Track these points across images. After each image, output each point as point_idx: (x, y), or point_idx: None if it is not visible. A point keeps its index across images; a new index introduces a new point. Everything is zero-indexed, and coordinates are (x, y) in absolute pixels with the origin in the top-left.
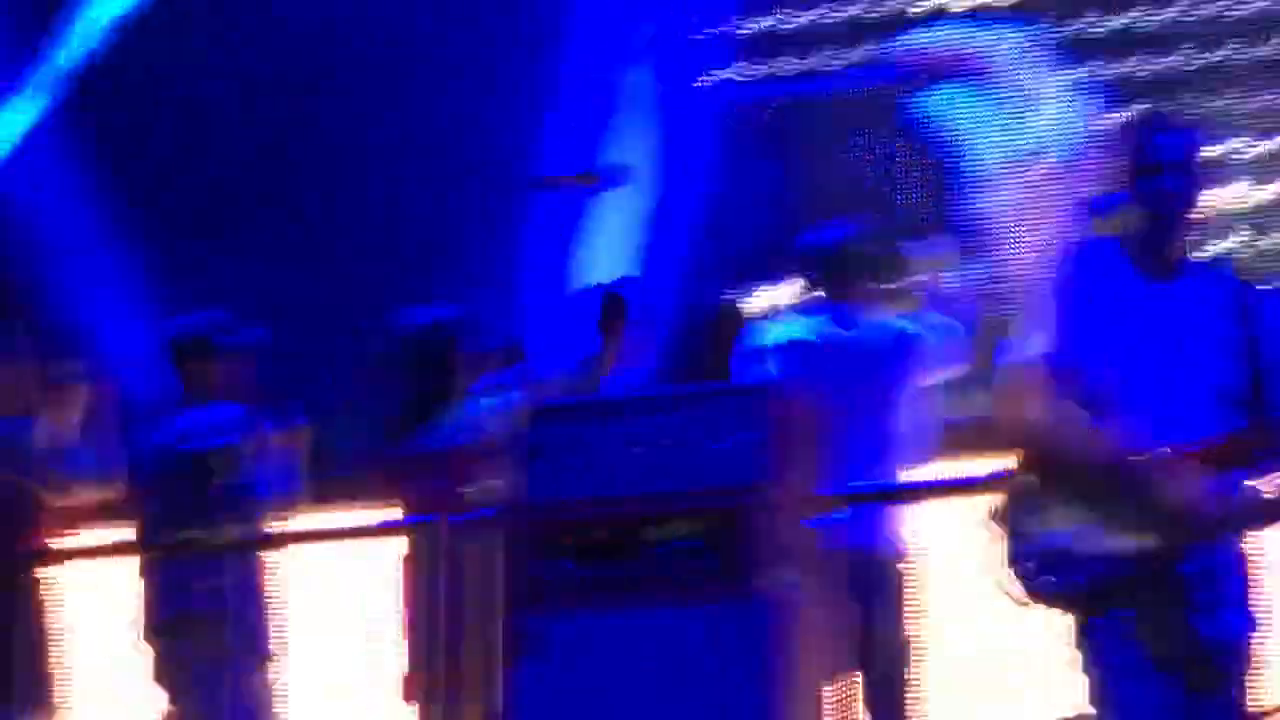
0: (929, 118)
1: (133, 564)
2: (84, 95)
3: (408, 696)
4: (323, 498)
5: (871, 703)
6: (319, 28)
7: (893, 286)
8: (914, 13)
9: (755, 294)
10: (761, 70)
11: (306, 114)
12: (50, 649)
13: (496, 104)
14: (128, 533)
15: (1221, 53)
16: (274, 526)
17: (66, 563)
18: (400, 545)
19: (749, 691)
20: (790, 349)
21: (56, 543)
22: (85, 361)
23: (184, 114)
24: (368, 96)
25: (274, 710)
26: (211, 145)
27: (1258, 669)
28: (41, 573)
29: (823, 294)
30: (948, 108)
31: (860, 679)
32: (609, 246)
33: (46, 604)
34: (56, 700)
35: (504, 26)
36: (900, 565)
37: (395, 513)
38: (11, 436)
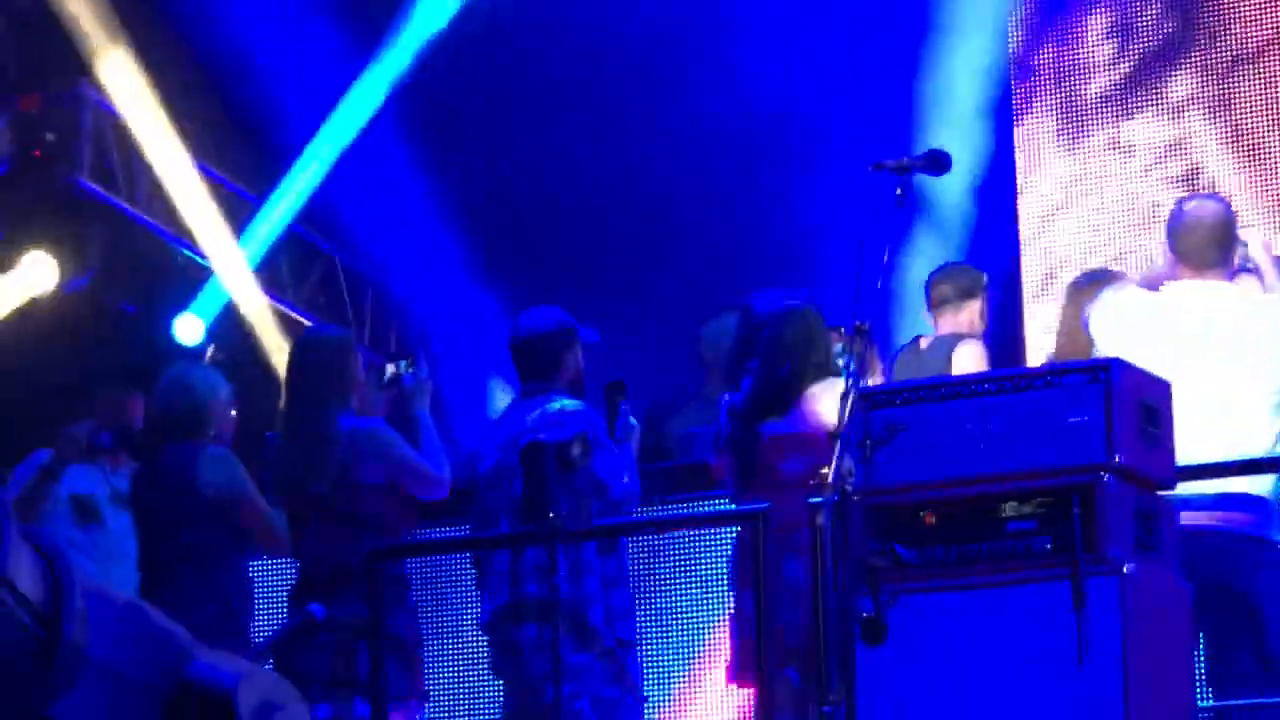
0: None
1: (474, 555)
2: (414, 97)
3: (740, 682)
4: (659, 487)
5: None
6: (650, 24)
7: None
8: None
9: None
10: None
11: (642, 104)
12: (414, 641)
13: (834, 87)
14: (464, 526)
15: None
16: (618, 516)
17: (420, 557)
18: (737, 530)
19: (1101, 671)
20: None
21: (408, 538)
22: (417, 358)
23: (519, 110)
24: (702, 86)
25: (623, 700)
26: (543, 139)
27: None
28: (398, 567)
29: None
30: None
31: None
32: (939, 232)
33: (408, 598)
34: (422, 690)
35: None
36: (1260, 543)
37: (726, 500)
38: (379, 435)
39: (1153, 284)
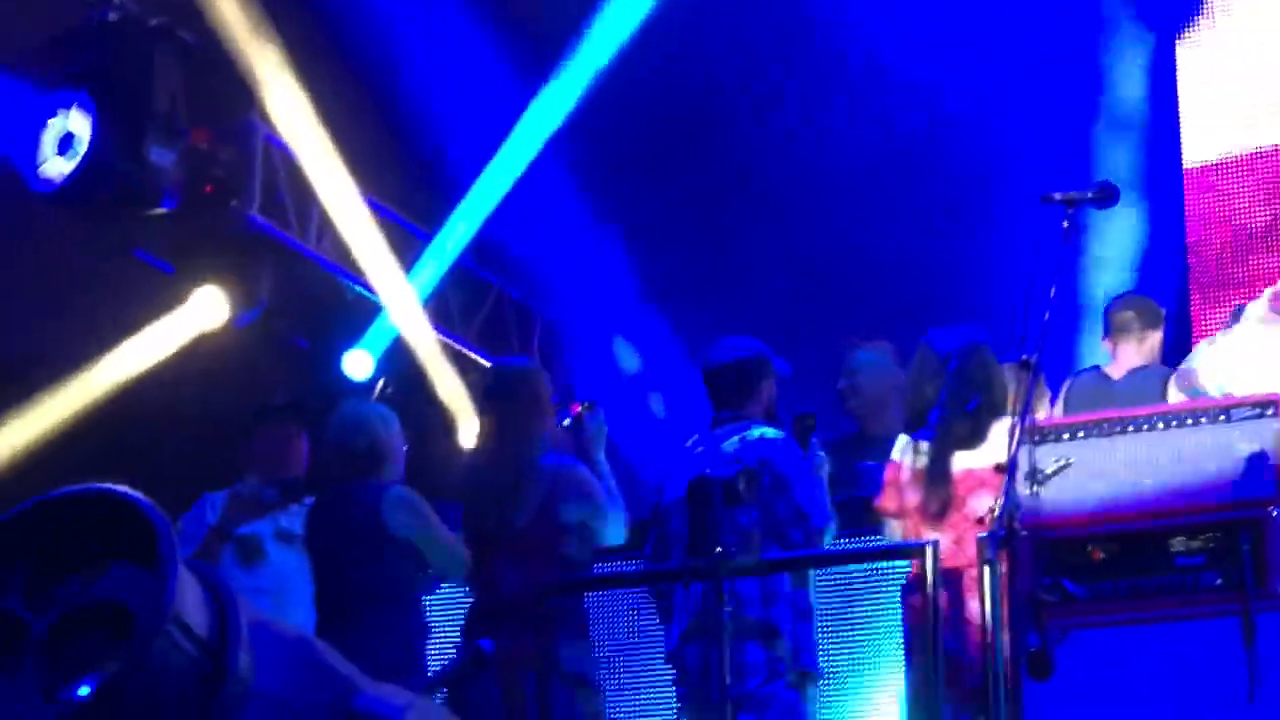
0: None
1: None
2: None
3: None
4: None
5: None
6: (818, 36)
7: None
8: None
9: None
10: None
11: (813, 135)
12: (590, 676)
13: (1007, 119)
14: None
15: None
16: (816, 548)
17: (590, 592)
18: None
19: (1271, 707)
20: None
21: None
22: (595, 402)
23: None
24: (871, 106)
25: None
26: (711, 165)
27: None
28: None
29: None
30: None
31: None
32: (1111, 263)
33: (585, 632)
34: None
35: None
36: None
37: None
38: (579, 475)
39: None
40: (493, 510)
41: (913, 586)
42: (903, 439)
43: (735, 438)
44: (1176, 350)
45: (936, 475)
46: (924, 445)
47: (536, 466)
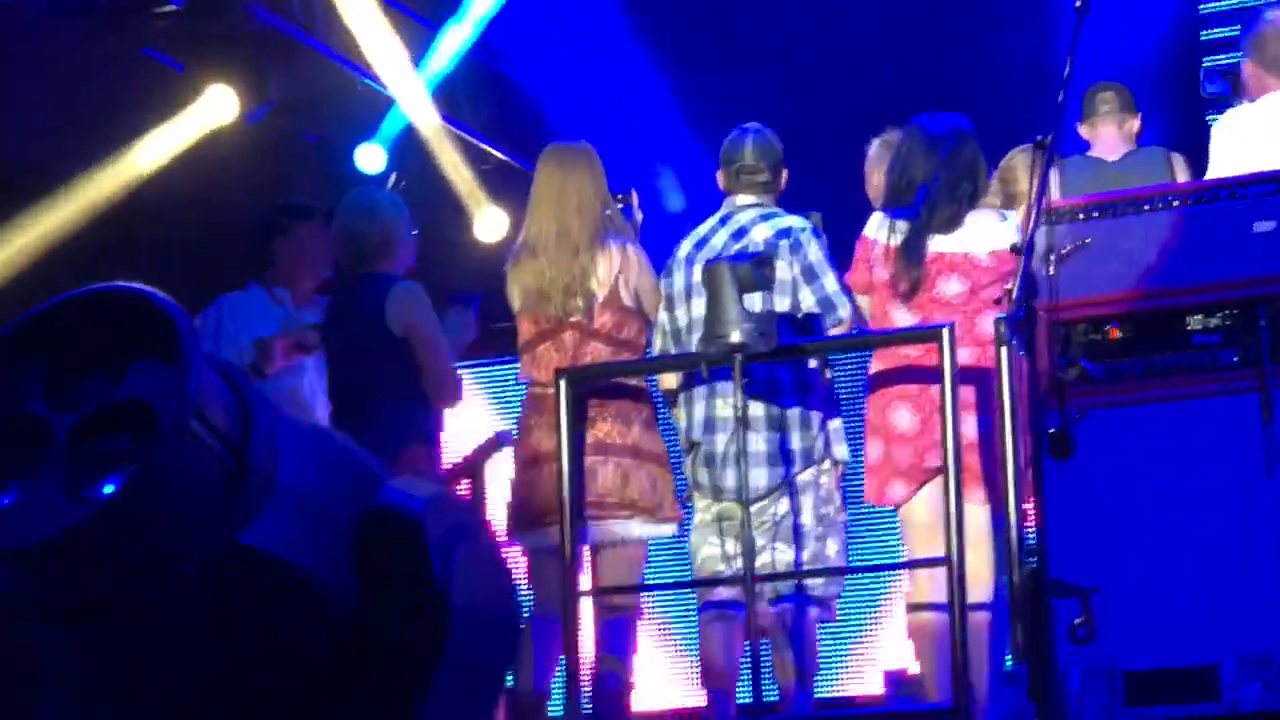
0: None
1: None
2: None
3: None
4: None
5: None
6: None
7: None
8: None
9: None
10: None
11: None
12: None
13: None
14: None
15: None
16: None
17: (610, 378)
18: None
19: None
20: None
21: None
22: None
23: None
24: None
25: (834, 520)
26: None
27: None
28: None
29: None
30: None
31: None
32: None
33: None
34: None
35: None
36: None
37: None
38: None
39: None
40: (556, 294)
41: (873, 382)
42: (878, 216)
43: (764, 224)
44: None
45: (912, 254)
46: (900, 224)
47: (599, 249)
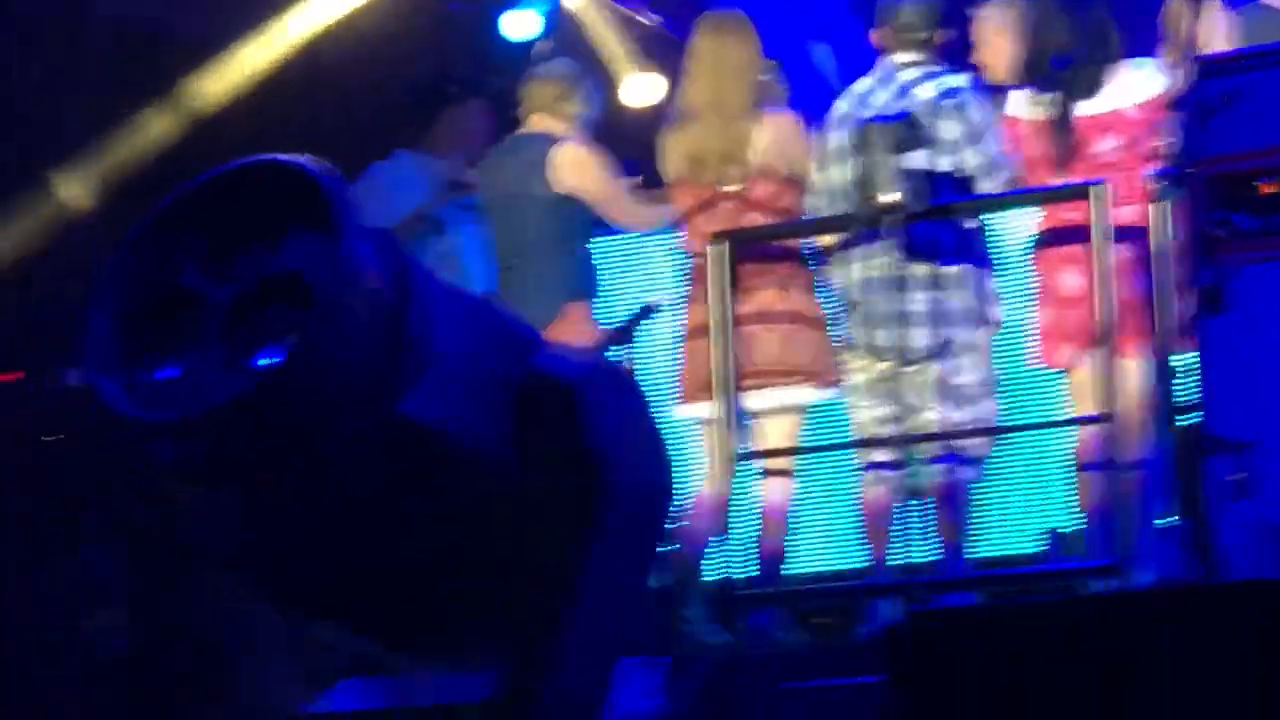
0: None
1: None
2: None
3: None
4: None
5: None
6: None
7: None
8: None
9: None
10: None
11: None
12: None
13: None
14: None
15: None
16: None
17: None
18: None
19: None
20: None
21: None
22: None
23: None
24: None
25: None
26: None
27: None
28: None
29: None
30: None
31: None
32: None
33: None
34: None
35: None
36: None
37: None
38: (790, 124)
39: None
40: (713, 163)
41: (1039, 244)
42: (1016, 93)
43: (928, 83)
44: None
45: (1063, 123)
46: (1044, 96)
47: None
